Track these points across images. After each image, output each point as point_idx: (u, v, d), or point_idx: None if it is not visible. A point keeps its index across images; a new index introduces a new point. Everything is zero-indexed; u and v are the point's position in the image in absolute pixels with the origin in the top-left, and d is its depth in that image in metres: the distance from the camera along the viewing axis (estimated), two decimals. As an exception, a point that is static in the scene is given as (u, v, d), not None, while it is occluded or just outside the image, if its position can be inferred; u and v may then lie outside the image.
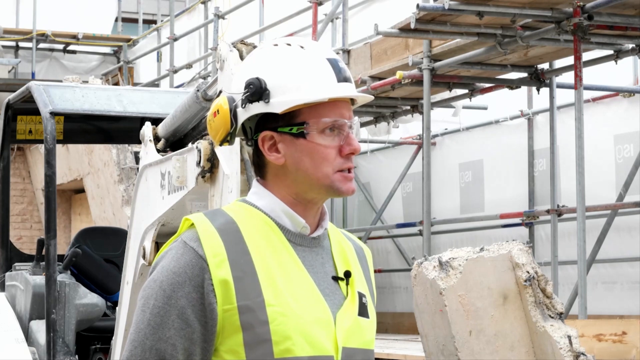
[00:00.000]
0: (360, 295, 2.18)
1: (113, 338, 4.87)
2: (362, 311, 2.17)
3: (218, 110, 2.15)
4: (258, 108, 2.11)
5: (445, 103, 10.54)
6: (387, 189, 11.78)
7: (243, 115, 2.13)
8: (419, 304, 5.26)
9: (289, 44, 2.15)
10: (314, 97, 2.10)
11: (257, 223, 2.12)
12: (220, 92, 3.67)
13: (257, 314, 2.02)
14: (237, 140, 2.25)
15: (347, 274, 2.17)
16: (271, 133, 2.12)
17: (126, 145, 12.07)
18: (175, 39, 15.30)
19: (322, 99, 2.10)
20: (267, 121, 2.12)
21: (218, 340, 2.04)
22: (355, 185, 2.18)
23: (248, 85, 2.11)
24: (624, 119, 9.46)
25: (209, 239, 2.06)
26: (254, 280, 2.04)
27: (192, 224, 2.10)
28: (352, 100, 2.17)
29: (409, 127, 12.10)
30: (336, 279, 2.16)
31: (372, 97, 2.27)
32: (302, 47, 2.14)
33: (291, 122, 2.11)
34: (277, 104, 2.10)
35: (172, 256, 2.07)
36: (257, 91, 2.10)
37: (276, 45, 2.15)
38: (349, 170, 2.14)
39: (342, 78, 2.13)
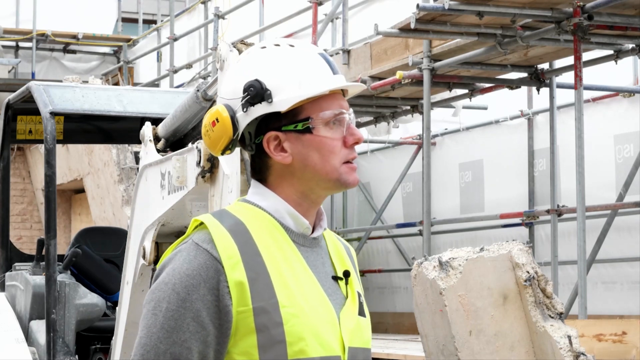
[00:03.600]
0: (358, 295, 2.19)
1: (113, 338, 4.87)
2: (361, 310, 2.18)
3: (217, 119, 2.14)
4: (261, 109, 2.11)
5: (445, 103, 10.53)
6: (387, 189, 11.77)
7: (245, 119, 2.12)
8: (419, 304, 5.26)
9: (277, 45, 2.15)
10: (316, 90, 2.11)
11: (263, 224, 2.11)
12: (213, 103, 3.65)
13: (271, 315, 2.01)
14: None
15: (347, 274, 2.18)
16: (276, 133, 2.12)
17: (126, 145, 12.07)
18: (175, 39, 15.30)
19: (324, 91, 2.12)
20: (269, 122, 2.12)
21: (231, 342, 2.03)
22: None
23: (248, 88, 2.10)
24: (624, 119, 9.45)
25: (223, 241, 2.04)
26: (267, 282, 2.04)
27: (201, 225, 2.08)
28: (342, 93, 2.20)
29: (409, 127, 12.09)
30: (336, 278, 2.17)
31: (365, 87, 2.31)
32: (291, 45, 2.15)
33: (295, 119, 2.11)
34: (281, 103, 2.10)
35: (183, 258, 2.04)
36: (258, 93, 2.10)
37: (264, 47, 2.16)
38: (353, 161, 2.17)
39: (335, 71, 2.16)
